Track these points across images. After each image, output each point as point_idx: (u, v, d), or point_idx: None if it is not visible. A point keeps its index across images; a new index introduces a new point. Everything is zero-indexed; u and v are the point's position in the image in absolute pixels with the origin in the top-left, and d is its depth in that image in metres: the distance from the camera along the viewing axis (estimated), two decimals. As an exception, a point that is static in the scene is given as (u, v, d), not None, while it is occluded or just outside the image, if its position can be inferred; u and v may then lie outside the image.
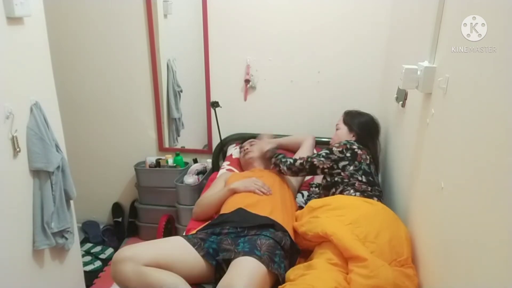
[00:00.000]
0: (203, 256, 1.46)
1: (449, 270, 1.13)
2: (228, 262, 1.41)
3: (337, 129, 2.08)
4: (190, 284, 1.39)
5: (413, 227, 1.51)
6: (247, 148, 2.22)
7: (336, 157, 1.84)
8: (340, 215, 1.54)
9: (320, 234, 1.47)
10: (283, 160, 1.96)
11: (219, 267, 1.46)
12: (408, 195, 1.64)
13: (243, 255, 1.40)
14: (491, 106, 0.93)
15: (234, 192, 1.85)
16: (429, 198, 1.35)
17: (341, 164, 1.82)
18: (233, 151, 2.51)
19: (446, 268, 1.15)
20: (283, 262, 1.47)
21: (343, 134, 2.03)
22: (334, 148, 1.88)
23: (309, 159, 1.87)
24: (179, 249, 1.47)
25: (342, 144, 1.89)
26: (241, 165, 2.30)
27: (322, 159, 1.84)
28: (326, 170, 1.83)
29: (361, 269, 1.32)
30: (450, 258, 1.12)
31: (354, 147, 1.87)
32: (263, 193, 1.80)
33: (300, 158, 1.91)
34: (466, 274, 1.01)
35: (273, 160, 2.00)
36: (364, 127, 2.03)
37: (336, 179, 1.82)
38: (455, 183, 1.12)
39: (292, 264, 1.56)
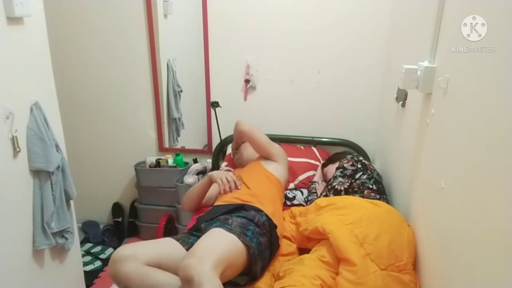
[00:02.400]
0: (187, 250, 1.44)
1: (449, 269, 1.13)
2: None
3: (325, 175, 2.13)
4: None
5: (414, 226, 1.51)
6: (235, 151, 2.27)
7: (350, 171, 1.86)
8: (343, 215, 1.54)
9: (319, 229, 1.48)
10: (310, 198, 2.02)
11: None
12: (408, 195, 1.64)
13: (214, 228, 1.43)
14: (491, 106, 0.94)
15: (210, 178, 1.89)
16: (429, 198, 1.35)
17: (357, 175, 1.84)
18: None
19: (446, 267, 1.15)
20: (258, 238, 1.48)
21: (332, 170, 2.04)
22: (344, 165, 1.91)
23: (329, 186, 1.88)
24: (174, 249, 1.47)
25: (349, 158, 1.94)
26: (235, 164, 2.34)
27: (340, 179, 1.86)
28: (349, 190, 1.83)
29: (349, 274, 1.33)
30: (450, 257, 1.12)
31: (361, 158, 1.95)
32: (225, 191, 1.80)
33: (323, 191, 1.94)
34: (466, 273, 1.01)
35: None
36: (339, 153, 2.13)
37: (348, 188, 1.84)
38: (455, 183, 1.12)
39: (274, 239, 1.57)
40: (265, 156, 2.06)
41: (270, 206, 1.71)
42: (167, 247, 1.48)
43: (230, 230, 1.42)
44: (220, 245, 1.34)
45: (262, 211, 1.62)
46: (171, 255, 1.43)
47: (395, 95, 1.89)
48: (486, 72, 0.97)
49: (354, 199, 1.71)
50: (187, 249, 1.45)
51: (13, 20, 1.44)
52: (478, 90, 1.02)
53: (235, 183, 1.82)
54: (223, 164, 2.43)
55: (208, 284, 1.15)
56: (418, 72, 1.38)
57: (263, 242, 1.49)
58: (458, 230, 1.08)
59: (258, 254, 1.45)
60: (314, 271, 1.36)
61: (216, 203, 1.78)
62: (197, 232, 1.60)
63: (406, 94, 1.77)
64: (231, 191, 1.80)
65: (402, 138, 1.81)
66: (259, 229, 1.52)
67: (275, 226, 1.61)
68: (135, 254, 1.33)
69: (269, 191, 1.82)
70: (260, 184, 1.85)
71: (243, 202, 1.68)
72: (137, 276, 1.29)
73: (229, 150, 2.55)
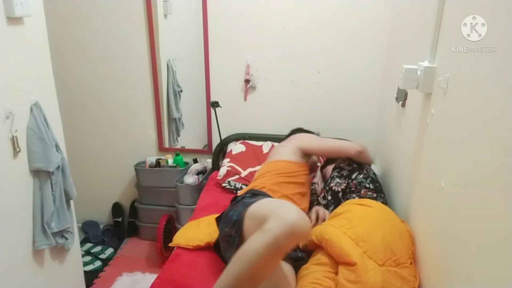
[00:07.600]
0: None
1: (449, 269, 1.13)
2: None
3: (324, 176, 2.09)
4: None
5: (414, 226, 1.51)
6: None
7: (347, 171, 1.86)
8: (332, 221, 1.54)
9: (315, 241, 1.46)
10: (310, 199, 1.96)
11: None
12: (408, 195, 1.64)
13: None
14: (491, 106, 0.94)
15: None
16: (429, 198, 1.35)
17: (354, 175, 1.83)
18: (233, 147, 2.50)
19: (446, 267, 1.15)
20: None
21: (330, 170, 2.01)
22: (340, 164, 1.90)
23: (327, 187, 1.86)
24: None
25: (345, 157, 1.93)
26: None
27: (337, 180, 1.84)
28: (347, 190, 1.81)
29: (349, 273, 1.32)
30: (450, 257, 1.12)
31: None
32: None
33: (320, 193, 1.90)
34: (466, 273, 1.01)
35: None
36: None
37: (345, 189, 1.83)
38: (455, 183, 1.12)
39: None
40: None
41: None
42: None
43: None
44: None
45: None
46: None
47: (395, 95, 1.89)
48: (486, 72, 0.97)
49: (343, 206, 1.67)
50: None
51: (13, 20, 1.44)
52: (478, 90, 1.02)
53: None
54: (225, 161, 2.41)
55: None
56: (418, 72, 1.38)
57: None
58: (458, 230, 1.08)
59: None
60: (309, 276, 1.37)
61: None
62: None
63: (406, 94, 1.77)
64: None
65: (402, 138, 1.81)
66: None
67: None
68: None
69: None
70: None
71: None
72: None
73: (229, 147, 2.54)
